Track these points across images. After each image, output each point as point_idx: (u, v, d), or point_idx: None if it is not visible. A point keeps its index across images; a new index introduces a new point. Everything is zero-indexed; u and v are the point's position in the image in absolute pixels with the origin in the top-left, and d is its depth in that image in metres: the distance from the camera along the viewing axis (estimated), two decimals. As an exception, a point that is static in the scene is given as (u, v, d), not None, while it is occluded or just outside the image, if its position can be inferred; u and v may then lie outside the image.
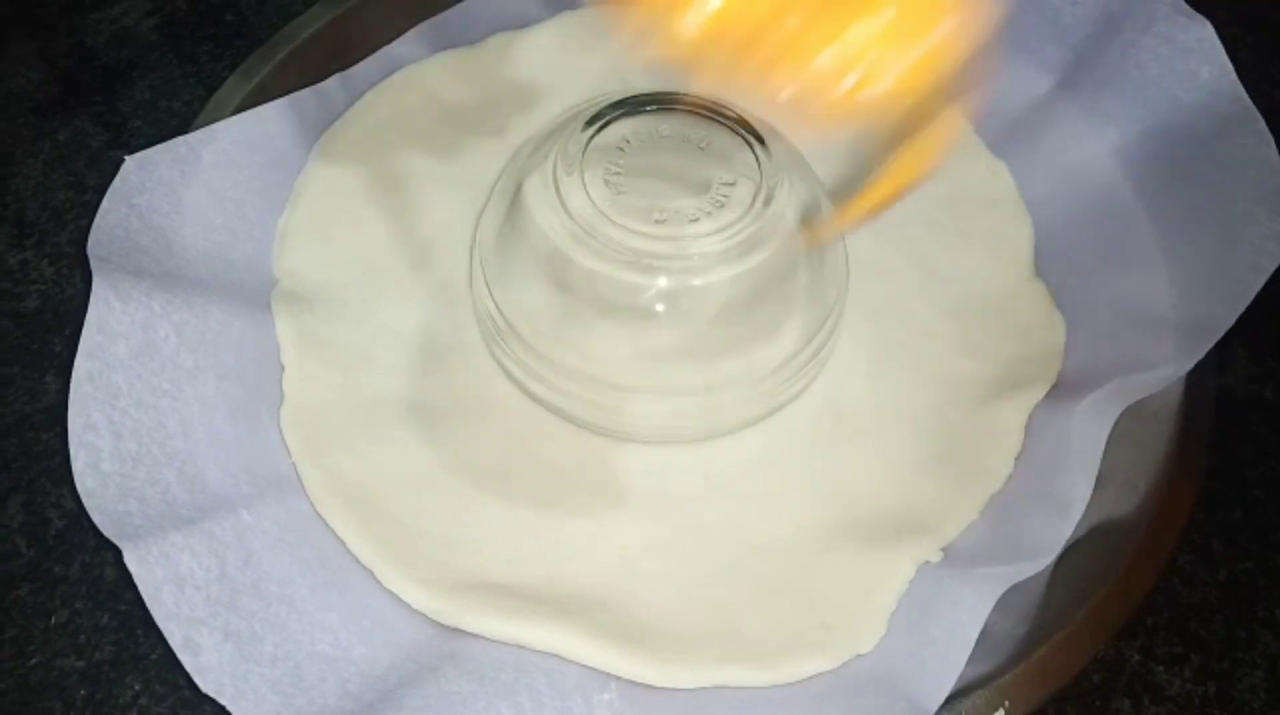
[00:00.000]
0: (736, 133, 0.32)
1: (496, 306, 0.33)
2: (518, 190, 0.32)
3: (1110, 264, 0.34)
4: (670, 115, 0.33)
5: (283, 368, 0.32)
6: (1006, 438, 0.31)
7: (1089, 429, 0.29)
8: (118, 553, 0.27)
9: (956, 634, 0.26)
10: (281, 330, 0.33)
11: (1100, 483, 0.29)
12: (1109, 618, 0.28)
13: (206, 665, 0.26)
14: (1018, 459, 0.31)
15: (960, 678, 0.26)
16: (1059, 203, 0.36)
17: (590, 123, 0.32)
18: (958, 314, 0.34)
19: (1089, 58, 0.37)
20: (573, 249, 0.31)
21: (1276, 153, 0.31)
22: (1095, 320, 0.33)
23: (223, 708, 0.26)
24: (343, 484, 0.30)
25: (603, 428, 0.32)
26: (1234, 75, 0.33)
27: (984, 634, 0.26)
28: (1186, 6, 0.34)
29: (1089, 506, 0.29)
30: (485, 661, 0.27)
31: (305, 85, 0.37)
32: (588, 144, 0.32)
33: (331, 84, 0.38)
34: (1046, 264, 0.35)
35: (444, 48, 0.40)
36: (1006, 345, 0.34)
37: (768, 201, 0.31)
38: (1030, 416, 0.32)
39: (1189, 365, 0.31)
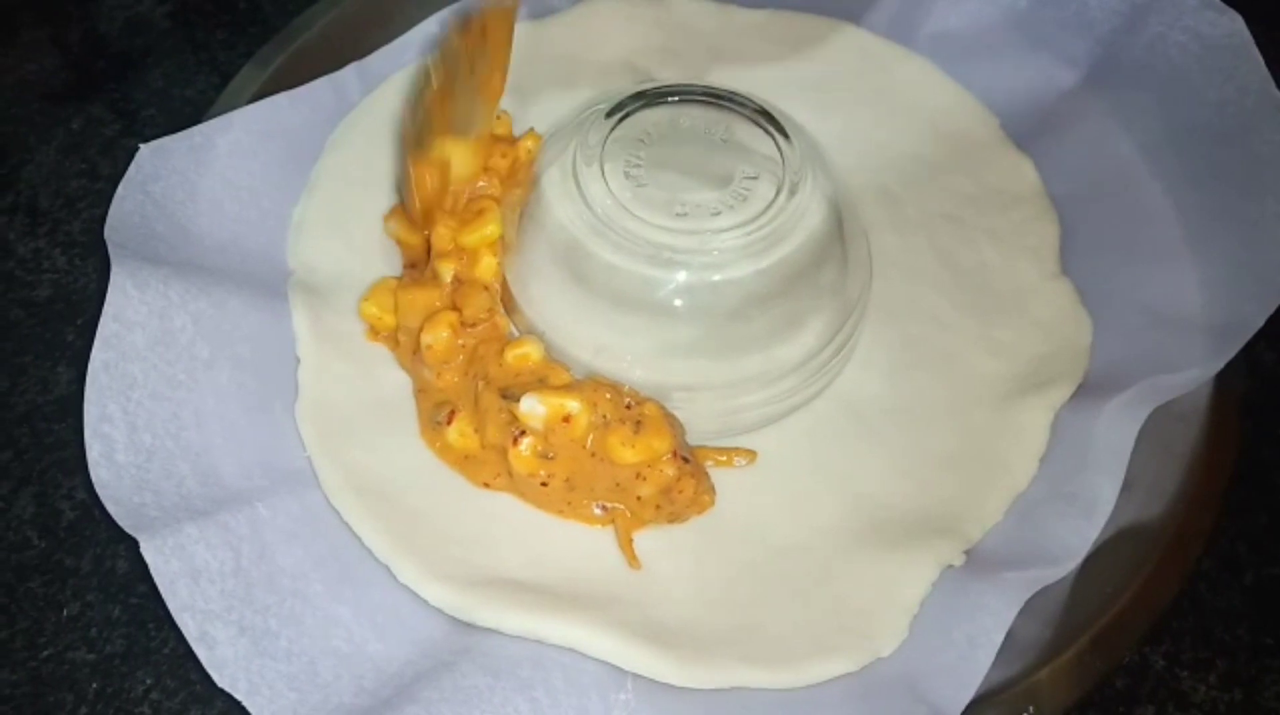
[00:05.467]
0: (759, 125, 0.32)
1: (514, 298, 0.32)
2: (537, 181, 0.32)
3: (1137, 262, 0.33)
4: (692, 107, 0.32)
5: (298, 360, 0.32)
6: (1031, 438, 0.31)
7: (1116, 430, 0.29)
8: (130, 545, 0.27)
9: (979, 639, 0.26)
10: (298, 322, 0.32)
11: (1126, 485, 0.28)
12: (1134, 623, 0.28)
13: (221, 659, 0.26)
14: (1042, 460, 0.31)
15: (983, 681, 0.26)
16: (1085, 200, 0.36)
17: (610, 114, 0.32)
18: (982, 312, 0.34)
19: (1116, 52, 0.36)
20: (591, 241, 0.30)
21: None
22: (1122, 319, 0.33)
23: (234, 702, 0.26)
24: (358, 478, 0.30)
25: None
26: (1265, 70, 0.32)
27: (1007, 636, 0.26)
28: (1216, 0, 0.34)
29: (1114, 509, 0.28)
30: (502, 656, 0.27)
31: (320, 74, 0.37)
32: (608, 135, 0.32)
33: (347, 73, 0.37)
34: (1073, 262, 0.35)
35: (461, 37, 0.39)
36: (1031, 344, 0.33)
37: (791, 196, 0.31)
38: (1056, 416, 0.31)
39: (1217, 366, 0.30)
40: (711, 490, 0.30)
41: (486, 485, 0.30)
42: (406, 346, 0.32)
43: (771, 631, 0.28)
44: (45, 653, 0.30)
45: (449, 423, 0.30)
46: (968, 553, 0.29)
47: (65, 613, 0.30)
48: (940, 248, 0.35)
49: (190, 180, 0.33)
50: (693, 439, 0.31)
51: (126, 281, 0.30)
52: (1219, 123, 0.33)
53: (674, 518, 0.30)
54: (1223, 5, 0.34)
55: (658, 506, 0.29)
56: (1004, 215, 0.36)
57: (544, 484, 0.29)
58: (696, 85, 0.33)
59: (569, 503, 0.30)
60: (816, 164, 0.32)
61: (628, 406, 0.29)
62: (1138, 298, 0.33)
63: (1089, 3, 0.37)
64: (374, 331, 0.33)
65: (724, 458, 0.31)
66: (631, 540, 0.29)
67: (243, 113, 0.35)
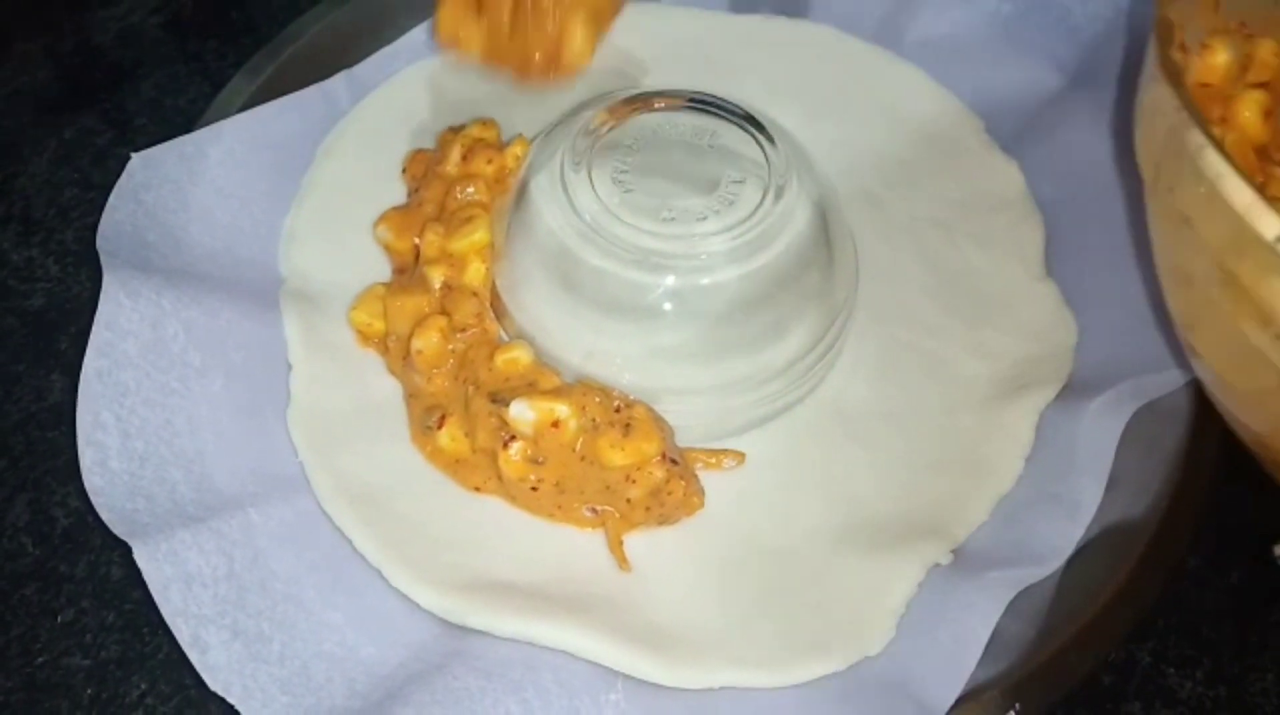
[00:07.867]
0: (745, 130, 0.32)
1: (503, 304, 0.33)
2: (525, 188, 0.32)
3: (1121, 264, 0.34)
4: (678, 113, 0.33)
5: (290, 367, 0.32)
6: (1016, 439, 0.31)
7: (1100, 430, 0.29)
8: (124, 551, 0.27)
9: (966, 637, 0.26)
10: (290, 329, 0.33)
11: (1111, 484, 0.29)
12: (1120, 620, 0.28)
13: (214, 663, 0.26)
14: (1027, 460, 0.31)
15: (969, 679, 0.26)
16: (1070, 202, 0.36)
17: (599, 120, 0.32)
18: (968, 314, 0.34)
19: (1100, 56, 0.37)
20: (580, 247, 0.31)
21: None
22: (1106, 321, 0.33)
23: (228, 706, 0.26)
24: (350, 484, 0.30)
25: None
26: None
27: (993, 635, 0.26)
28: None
29: (1099, 508, 0.29)
30: (493, 658, 0.27)
31: (311, 83, 0.37)
32: (596, 141, 0.32)
33: (337, 82, 0.38)
34: (1058, 264, 0.35)
35: (451, 45, 0.39)
36: (1017, 346, 0.33)
37: (777, 200, 0.31)
38: (1041, 417, 0.32)
39: (1201, 366, 0.31)
40: (700, 492, 0.30)
41: (477, 489, 0.31)
42: (396, 352, 0.32)
43: (760, 632, 0.28)
44: (40, 659, 0.30)
45: (440, 427, 0.30)
46: (954, 553, 0.29)
47: (60, 619, 0.31)
48: (926, 251, 0.36)
49: (182, 189, 0.34)
50: (682, 441, 0.31)
51: (119, 290, 0.30)
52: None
53: (664, 520, 0.30)
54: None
55: (647, 509, 0.30)
56: (990, 219, 0.36)
57: (534, 488, 0.30)
58: (683, 91, 0.33)
59: (559, 506, 0.30)
60: (802, 168, 0.32)
61: (617, 409, 0.30)
62: (1122, 299, 0.33)
63: (1073, 8, 0.37)
64: (364, 338, 0.33)
65: (713, 460, 0.31)
66: (621, 542, 0.30)
67: (233, 122, 0.35)
